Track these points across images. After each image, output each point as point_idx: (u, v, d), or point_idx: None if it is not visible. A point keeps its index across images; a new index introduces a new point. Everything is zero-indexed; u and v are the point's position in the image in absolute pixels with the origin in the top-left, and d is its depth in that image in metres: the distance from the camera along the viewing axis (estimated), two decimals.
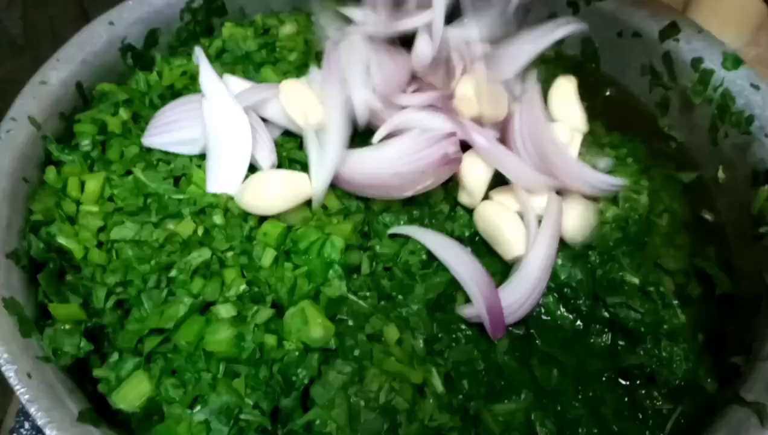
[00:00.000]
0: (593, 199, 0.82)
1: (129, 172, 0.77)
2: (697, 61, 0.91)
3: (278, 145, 0.79)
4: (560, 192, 0.79)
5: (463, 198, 0.79)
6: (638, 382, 0.70)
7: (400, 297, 0.71)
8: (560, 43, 1.09)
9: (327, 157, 0.70)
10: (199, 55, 0.78)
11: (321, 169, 0.71)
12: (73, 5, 1.67)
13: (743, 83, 0.85)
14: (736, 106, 0.85)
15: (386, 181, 0.72)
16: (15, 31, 1.61)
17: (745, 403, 0.60)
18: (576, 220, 0.75)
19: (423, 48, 0.80)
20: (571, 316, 0.75)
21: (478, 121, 0.80)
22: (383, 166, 0.72)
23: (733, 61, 0.87)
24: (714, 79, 0.88)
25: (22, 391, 0.55)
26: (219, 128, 0.74)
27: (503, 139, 0.81)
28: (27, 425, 0.98)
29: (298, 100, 0.75)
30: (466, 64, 0.83)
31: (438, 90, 0.78)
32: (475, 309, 0.69)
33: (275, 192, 0.69)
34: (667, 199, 0.86)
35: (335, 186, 0.74)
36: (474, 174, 0.77)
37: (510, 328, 0.71)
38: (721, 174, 0.88)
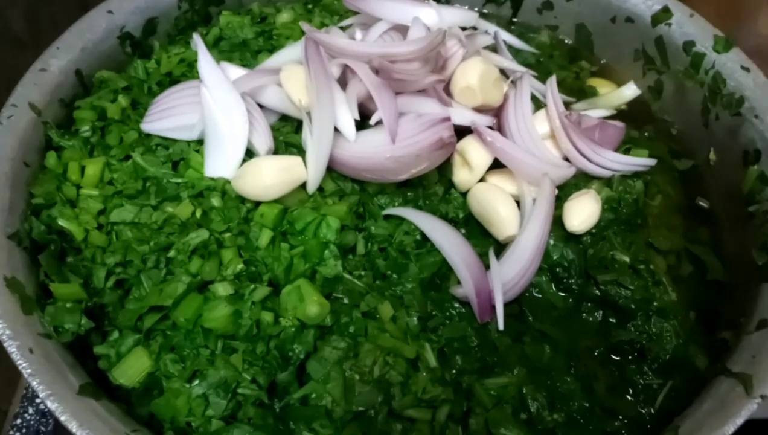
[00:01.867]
0: (588, 181, 0.83)
1: (128, 157, 0.78)
2: (688, 45, 0.92)
3: (275, 129, 0.80)
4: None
5: (461, 176, 0.80)
6: (629, 357, 0.71)
7: (394, 276, 0.72)
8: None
9: (319, 148, 0.71)
10: (198, 42, 0.79)
11: (315, 159, 0.72)
12: (75, 1, 1.68)
13: (734, 66, 0.87)
14: (726, 88, 0.86)
15: (381, 164, 0.73)
16: (18, 26, 1.62)
17: (732, 374, 0.61)
18: (584, 214, 0.76)
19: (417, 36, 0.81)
20: (563, 295, 0.76)
21: (478, 109, 0.81)
22: (378, 149, 0.73)
23: (724, 45, 0.88)
24: (705, 62, 0.89)
25: (24, 366, 0.57)
26: (216, 114, 0.75)
27: (499, 124, 0.83)
28: (31, 410, 1.00)
29: (298, 84, 0.76)
30: (467, 51, 0.84)
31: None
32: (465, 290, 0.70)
33: (270, 180, 0.70)
34: (662, 183, 0.87)
35: (331, 168, 0.75)
36: (480, 152, 0.77)
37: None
38: (712, 156, 0.89)
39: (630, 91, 0.97)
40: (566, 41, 1.10)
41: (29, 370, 0.56)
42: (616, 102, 0.98)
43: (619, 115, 0.96)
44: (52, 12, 1.63)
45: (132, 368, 0.62)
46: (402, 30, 0.84)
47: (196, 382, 0.61)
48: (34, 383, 0.56)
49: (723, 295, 0.78)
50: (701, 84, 0.90)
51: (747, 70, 0.85)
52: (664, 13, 0.95)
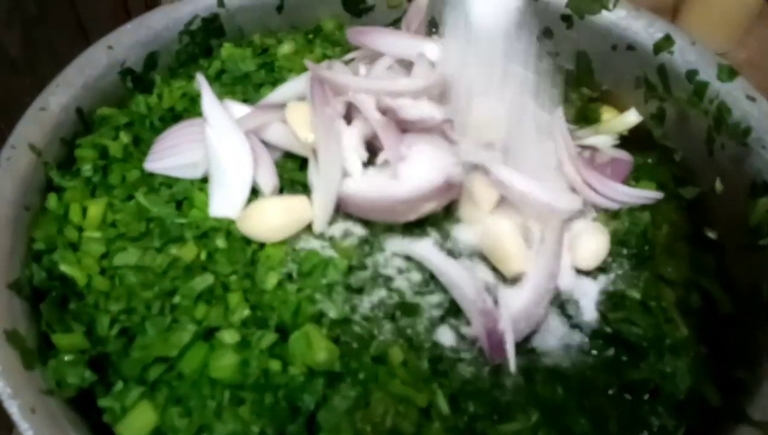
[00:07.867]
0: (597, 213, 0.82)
1: (131, 197, 0.77)
2: (691, 74, 0.91)
3: (279, 166, 0.79)
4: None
5: (468, 211, 0.79)
6: (644, 397, 0.70)
7: (404, 317, 0.71)
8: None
9: (326, 188, 0.70)
10: (201, 81, 0.79)
11: (322, 199, 0.71)
12: (72, 24, 1.68)
13: (739, 95, 0.86)
14: (732, 118, 0.86)
15: (388, 206, 0.73)
16: (14, 50, 1.61)
17: (753, 422, 0.60)
18: (592, 249, 0.75)
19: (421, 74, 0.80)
20: (573, 332, 0.75)
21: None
22: (385, 191, 0.72)
23: (728, 73, 0.88)
24: (709, 91, 0.89)
25: (25, 427, 0.55)
26: (221, 154, 0.74)
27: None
28: None
29: (304, 121, 0.75)
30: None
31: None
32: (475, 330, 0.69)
33: (276, 221, 0.70)
34: (667, 211, 0.87)
35: (336, 207, 0.74)
36: (487, 188, 0.76)
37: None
38: (718, 185, 0.89)
39: (632, 117, 0.97)
40: (566, 67, 1.10)
41: (31, 432, 0.55)
42: (619, 128, 0.98)
43: (621, 141, 0.96)
44: (48, 35, 1.62)
45: (137, 423, 0.60)
46: (406, 65, 0.83)
47: None
48: None
49: (734, 328, 0.77)
50: (705, 112, 0.90)
51: (753, 99, 0.85)
52: (666, 41, 0.95)
